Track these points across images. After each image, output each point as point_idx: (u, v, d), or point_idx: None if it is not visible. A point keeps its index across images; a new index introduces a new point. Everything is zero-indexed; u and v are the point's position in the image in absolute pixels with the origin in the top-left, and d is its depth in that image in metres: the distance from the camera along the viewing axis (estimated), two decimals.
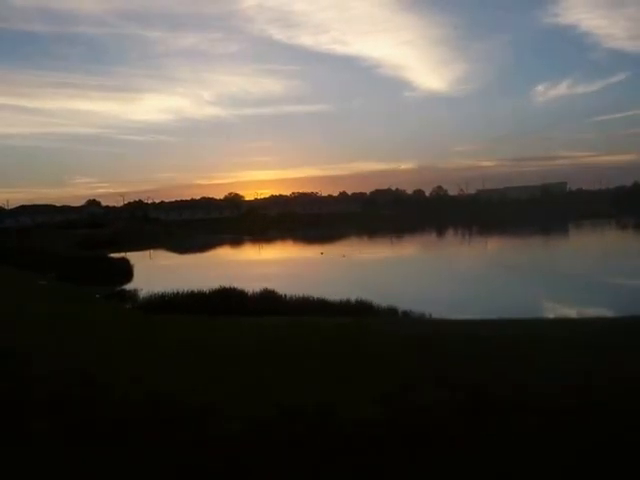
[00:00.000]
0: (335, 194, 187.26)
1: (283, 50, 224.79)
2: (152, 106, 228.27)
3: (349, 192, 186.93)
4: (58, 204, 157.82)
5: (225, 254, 74.96)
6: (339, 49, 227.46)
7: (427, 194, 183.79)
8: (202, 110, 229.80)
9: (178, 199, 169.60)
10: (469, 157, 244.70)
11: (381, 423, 5.80)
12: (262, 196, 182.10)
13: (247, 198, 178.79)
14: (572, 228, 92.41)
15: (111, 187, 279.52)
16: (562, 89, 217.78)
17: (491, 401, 6.41)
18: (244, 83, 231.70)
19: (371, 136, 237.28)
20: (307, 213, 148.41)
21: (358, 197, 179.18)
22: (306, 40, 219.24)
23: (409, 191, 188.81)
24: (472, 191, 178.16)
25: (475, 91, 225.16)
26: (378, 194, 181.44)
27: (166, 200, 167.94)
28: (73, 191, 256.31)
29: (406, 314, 21.06)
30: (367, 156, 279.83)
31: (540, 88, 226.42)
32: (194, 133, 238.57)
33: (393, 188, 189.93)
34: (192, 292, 25.01)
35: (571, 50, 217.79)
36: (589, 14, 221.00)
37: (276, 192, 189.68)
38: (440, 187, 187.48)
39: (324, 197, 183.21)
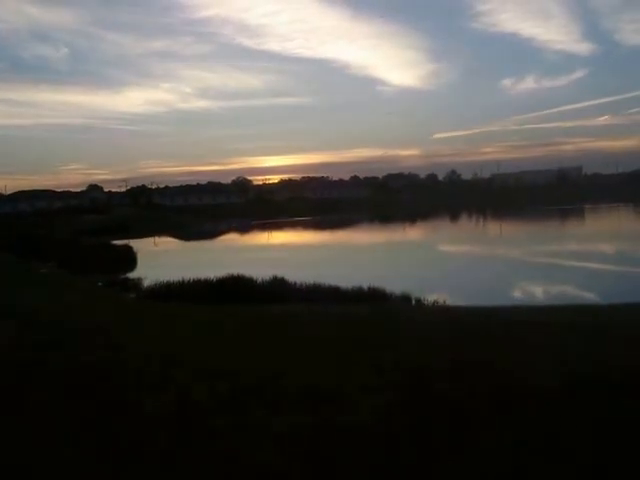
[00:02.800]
0: (346, 178, 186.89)
1: (253, 53, 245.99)
2: (139, 99, 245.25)
3: (361, 176, 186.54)
4: (58, 189, 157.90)
5: (233, 240, 74.93)
6: (306, 53, 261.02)
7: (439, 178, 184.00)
8: (190, 102, 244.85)
9: (183, 184, 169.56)
10: (465, 143, 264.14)
11: None
12: (271, 181, 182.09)
13: (255, 183, 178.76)
14: (589, 212, 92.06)
15: (110, 174, 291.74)
16: (529, 83, 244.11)
17: None
18: (223, 79, 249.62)
19: (356, 125, 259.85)
20: (318, 198, 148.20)
21: (370, 181, 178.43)
22: (273, 46, 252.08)
23: (422, 175, 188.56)
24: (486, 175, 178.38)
25: (446, 85, 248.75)
26: (390, 178, 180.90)
27: (171, 185, 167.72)
28: (70, 178, 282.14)
29: (419, 301, 20.88)
30: (358, 143, 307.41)
31: (507, 82, 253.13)
32: (186, 123, 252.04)
33: (405, 172, 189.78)
34: (198, 280, 24.86)
35: (522, 52, 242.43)
36: (524, 24, 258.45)
37: (285, 176, 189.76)
38: (454, 171, 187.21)
39: (335, 181, 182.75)
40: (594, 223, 74.56)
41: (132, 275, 33.42)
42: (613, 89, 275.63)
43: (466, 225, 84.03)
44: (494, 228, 74.05)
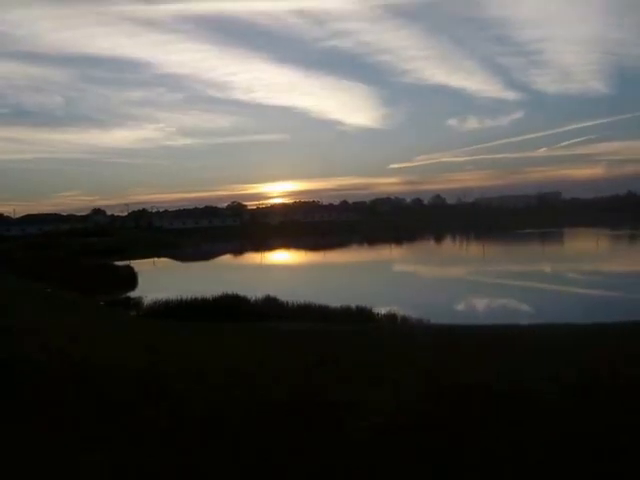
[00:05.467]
0: (335, 203, 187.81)
1: (222, 101, 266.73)
2: (127, 137, 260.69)
3: (350, 201, 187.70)
4: (64, 213, 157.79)
5: (228, 262, 74.96)
6: (269, 101, 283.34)
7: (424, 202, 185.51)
8: (174, 140, 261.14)
9: (181, 207, 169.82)
10: (419, 172, 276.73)
11: None
12: (264, 205, 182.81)
13: (249, 207, 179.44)
14: (567, 235, 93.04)
15: (101, 200, 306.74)
16: (473, 123, 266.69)
17: None
18: (197, 121, 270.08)
19: (326, 158, 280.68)
20: (309, 221, 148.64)
21: (359, 205, 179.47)
22: (240, 96, 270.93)
23: (408, 200, 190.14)
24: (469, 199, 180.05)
25: (398, 125, 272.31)
26: (378, 203, 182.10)
27: (170, 209, 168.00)
28: (67, 204, 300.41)
29: (405, 320, 21.05)
30: (328, 173, 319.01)
31: (452, 122, 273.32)
32: (171, 157, 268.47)
33: (392, 197, 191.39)
34: (195, 299, 25.00)
35: (459, 99, 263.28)
36: (450, 78, 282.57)
37: (277, 201, 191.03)
38: (438, 196, 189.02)
39: (325, 205, 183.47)
40: (569, 246, 75.23)
41: (133, 294, 33.48)
42: (546, 126, 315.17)
43: (450, 247, 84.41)
44: (476, 250, 74.41)
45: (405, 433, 5.97)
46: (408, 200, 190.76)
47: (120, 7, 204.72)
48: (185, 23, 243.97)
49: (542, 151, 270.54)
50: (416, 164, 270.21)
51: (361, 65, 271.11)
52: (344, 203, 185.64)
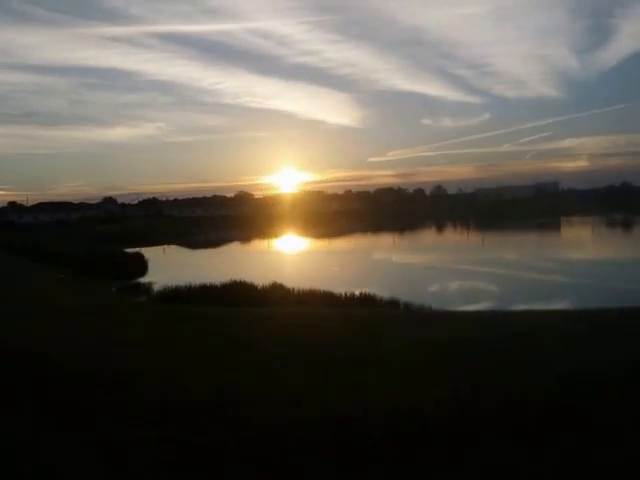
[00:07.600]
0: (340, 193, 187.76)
1: (211, 105, 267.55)
2: (129, 134, 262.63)
3: (354, 191, 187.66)
4: (75, 201, 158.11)
5: (236, 249, 75.09)
6: (256, 105, 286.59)
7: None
8: (175, 137, 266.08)
9: (190, 197, 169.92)
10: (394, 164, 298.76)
11: None
12: (270, 194, 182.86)
13: (256, 196, 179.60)
14: (565, 224, 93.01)
15: (118, 191, 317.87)
16: (447, 122, 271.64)
17: None
18: (191, 120, 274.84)
19: (318, 153, 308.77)
20: (314, 210, 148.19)
21: (363, 195, 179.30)
22: (228, 101, 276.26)
23: (410, 190, 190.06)
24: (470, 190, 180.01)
25: (376, 124, 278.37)
26: (381, 193, 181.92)
27: (179, 198, 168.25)
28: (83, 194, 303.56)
29: (407, 306, 21.12)
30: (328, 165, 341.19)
31: (426, 122, 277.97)
32: (176, 152, 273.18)
33: (395, 188, 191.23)
34: (204, 285, 25.11)
35: (427, 102, 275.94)
36: (414, 86, 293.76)
37: (283, 191, 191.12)
38: (440, 187, 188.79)
39: (330, 195, 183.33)
40: (565, 234, 75.15)
41: (143, 280, 33.66)
42: (509, 124, 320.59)
43: (452, 236, 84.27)
44: (476, 239, 74.30)
45: (403, 425, 5.82)
46: (410, 190, 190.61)
47: (112, 29, 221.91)
48: (170, 44, 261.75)
49: (506, 146, 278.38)
50: (395, 158, 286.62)
51: (332, 76, 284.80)
52: (348, 193, 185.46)
